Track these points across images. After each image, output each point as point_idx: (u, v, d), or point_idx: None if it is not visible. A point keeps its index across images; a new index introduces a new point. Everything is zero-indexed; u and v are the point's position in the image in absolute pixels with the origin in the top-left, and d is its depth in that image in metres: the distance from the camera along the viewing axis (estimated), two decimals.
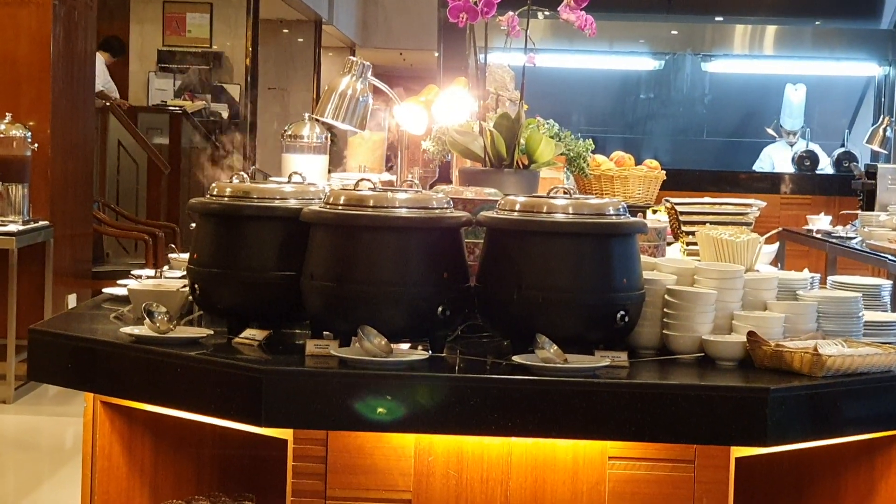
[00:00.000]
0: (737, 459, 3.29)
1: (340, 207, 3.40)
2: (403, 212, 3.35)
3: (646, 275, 3.47)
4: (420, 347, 3.36)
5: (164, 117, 12.79)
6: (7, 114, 8.00)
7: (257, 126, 15.95)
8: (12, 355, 7.72)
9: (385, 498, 3.31)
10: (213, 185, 3.73)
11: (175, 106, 13.61)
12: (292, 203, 3.60)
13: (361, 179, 3.53)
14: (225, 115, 14.87)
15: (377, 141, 6.58)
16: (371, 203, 3.36)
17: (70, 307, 8.62)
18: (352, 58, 4.64)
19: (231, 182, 3.69)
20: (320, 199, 3.60)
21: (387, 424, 3.21)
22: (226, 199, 3.64)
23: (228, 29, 15.46)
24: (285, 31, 18.61)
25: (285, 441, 3.34)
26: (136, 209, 11.51)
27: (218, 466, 4.09)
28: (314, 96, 18.69)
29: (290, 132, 5.29)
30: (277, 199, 3.62)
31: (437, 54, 18.28)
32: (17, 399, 7.72)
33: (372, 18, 20.29)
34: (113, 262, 10.35)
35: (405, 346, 3.37)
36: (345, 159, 6.68)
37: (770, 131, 13.83)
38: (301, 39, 18.74)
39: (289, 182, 3.74)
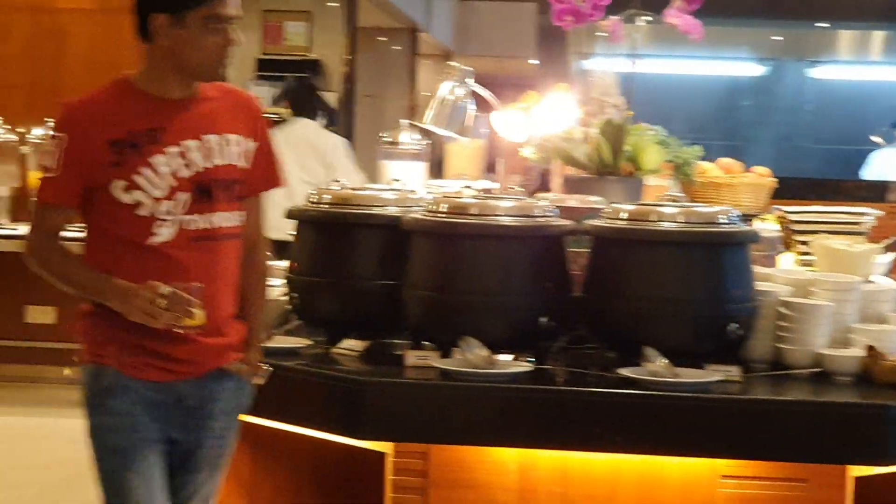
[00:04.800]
0: (856, 479, 3.16)
1: (442, 215, 3.32)
2: (507, 220, 3.27)
3: (759, 285, 3.35)
4: (523, 359, 3.27)
5: None
6: None
7: (354, 134, 15.94)
8: None
9: None
10: (312, 191, 3.67)
11: (273, 114, 13.62)
12: (392, 210, 3.53)
13: (465, 186, 3.45)
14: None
15: (476, 148, 6.50)
16: (474, 211, 3.29)
17: None
18: (452, 63, 4.57)
19: (330, 189, 3.63)
20: (421, 206, 3.53)
21: (489, 438, 3.13)
22: (325, 206, 3.58)
23: (326, 37, 15.46)
24: (382, 38, 18.59)
25: (384, 453, 3.26)
26: None
27: (316, 478, 4.02)
28: (410, 104, 18.67)
29: (388, 138, 5.23)
30: (377, 206, 3.55)
31: (534, 62, 18.16)
32: None
33: (468, 26, 20.21)
34: None
35: (508, 357, 3.28)
36: (443, 166, 6.61)
37: (876, 139, 13.57)
38: (397, 47, 18.72)
39: (389, 189, 3.67)
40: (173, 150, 2.99)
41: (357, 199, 3.57)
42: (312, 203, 3.61)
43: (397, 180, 3.78)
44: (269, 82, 15.29)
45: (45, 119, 8.00)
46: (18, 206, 8.00)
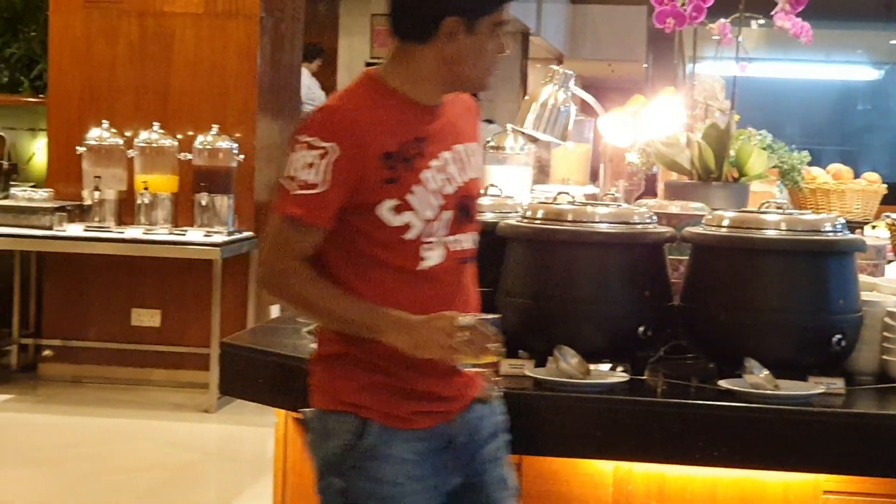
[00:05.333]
0: None
1: (538, 222, 3.26)
2: (604, 227, 3.20)
3: (864, 296, 3.25)
4: (620, 369, 3.19)
5: None
6: (214, 125, 8.04)
7: None
8: (215, 365, 7.73)
9: None
10: None
11: None
12: (489, 216, 3.46)
13: (560, 192, 3.38)
14: None
15: (582, 153, 6.41)
16: (570, 217, 3.22)
17: (273, 318, 8.65)
18: (554, 67, 4.50)
19: None
20: (518, 212, 3.47)
21: (584, 450, 3.06)
22: None
23: None
24: None
25: None
26: None
27: None
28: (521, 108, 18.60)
29: (492, 143, 5.17)
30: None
31: (645, 65, 18.03)
32: (219, 409, 7.74)
33: (580, 29, 20.13)
34: None
35: (604, 367, 3.20)
36: (549, 172, 6.54)
37: None
38: (507, 51, 18.66)
39: (485, 195, 3.61)
40: (436, 163, 2.73)
41: None
42: None
43: (494, 186, 3.72)
44: None
45: (152, 122, 8.08)
46: (124, 210, 8.06)
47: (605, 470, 3.13)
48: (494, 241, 3.32)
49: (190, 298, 8.26)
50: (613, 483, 3.13)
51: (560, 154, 6.24)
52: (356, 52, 15.32)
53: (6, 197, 8.15)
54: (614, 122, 4.84)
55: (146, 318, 8.36)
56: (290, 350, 3.52)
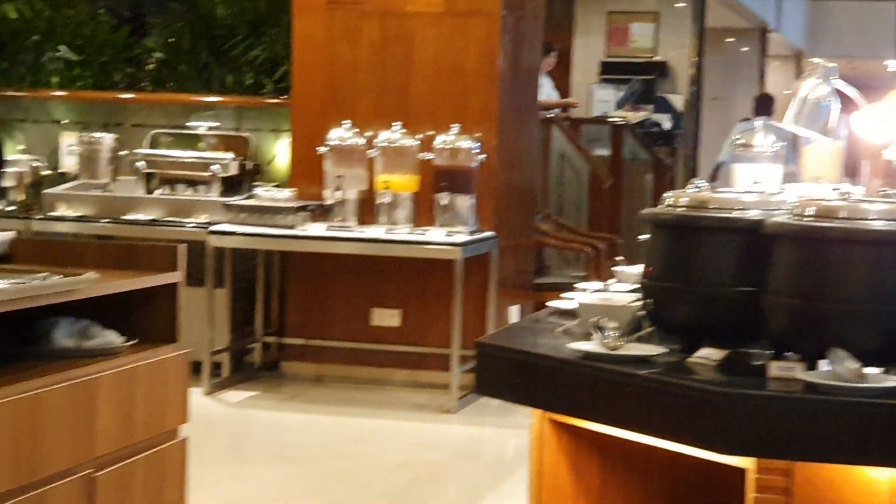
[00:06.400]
0: None
1: (808, 219, 3.13)
2: (879, 224, 3.06)
3: None
4: (893, 373, 3.05)
5: (606, 128, 12.69)
6: (455, 125, 8.04)
7: (700, 137, 15.70)
8: (456, 366, 7.74)
9: None
10: (668, 194, 3.54)
11: (617, 117, 13.51)
12: (753, 214, 3.35)
13: (834, 189, 3.25)
14: (667, 125, 14.68)
15: (835, 150, 6.22)
16: (843, 214, 3.09)
17: (512, 319, 8.62)
18: (815, 60, 4.36)
19: (686, 192, 3.48)
20: (783, 210, 3.35)
21: (857, 456, 2.93)
22: (681, 209, 3.43)
23: (673, 39, 15.27)
24: (729, 39, 18.28)
25: (740, 468, 3.09)
26: (577, 220, 11.45)
27: (668, 490, 3.87)
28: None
29: (741, 140, 5.04)
30: (737, 209, 3.38)
31: (885, 62, 17.55)
32: (460, 409, 7.73)
33: (821, 25, 19.72)
34: (554, 273, 10.31)
35: (878, 370, 3.06)
36: (798, 169, 6.36)
37: None
38: (746, 48, 18.36)
39: (749, 192, 3.50)
40: None
41: (715, 202, 3.40)
42: (668, 206, 3.47)
43: (757, 182, 3.61)
44: (614, 85, 15.25)
45: (392, 122, 8.12)
46: (366, 209, 8.12)
47: (880, 478, 3.00)
48: (759, 240, 3.22)
49: (430, 298, 8.27)
50: (889, 491, 3.00)
51: (811, 151, 6.06)
52: (591, 50, 15.24)
53: (250, 197, 8.28)
54: (871, 119, 4.68)
55: (387, 317, 8.41)
56: (548, 350, 3.47)
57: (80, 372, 3.45)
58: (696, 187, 3.49)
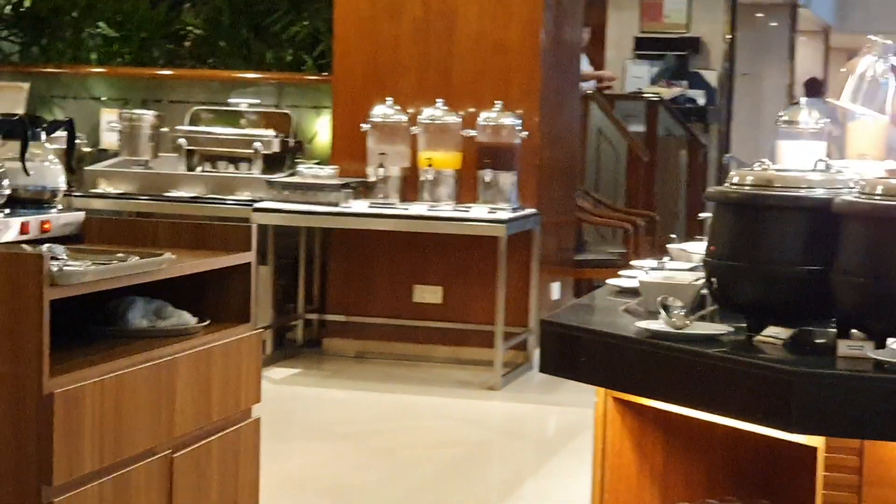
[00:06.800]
0: None
1: (877, 198, 3.14)
2: None
3: None
4: None
5: (641, 104, 12.67)
6: (497, 101, 8.05)
7: (732, 112, 15.66)
8: (500, 342, 7.75)
9: None
10: (733, 173, 3.54)
11: (651, 93, 13.49)
12: (819, 192, 3.36)
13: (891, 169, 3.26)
14: (701, 101, 14.64)
15: (880, 127, 6.21)
16: None
17: (554, 296, 8.63)
18: (872, 37, 4.35)
19: (752, 170, 3.49)
20: (850, 188, 3.36)
21: None
22: (747, 188, 3.43)
23: (706, 14, 15.23)
24: (759, 14, 18.20)
25: (806, 447, 3.10)
26: (614, 197, 11.45)
27: (730, 468, 3.88)
28: (788, 81, 18.23)
29: (785, 118, 5.04)
30: (804, 188, 3.38)
31: None
32: (504, 386, 7.75)
33: (851, 1, 19.62)
34: (592, 250, 10.31)
35: None
36: (842, 146, 6.34)
37: None
38: (775, 24, 18.29)
39: (814, 170, 3.51)
40: None
41: (781, 180, 3.41)
42: (734, 184, 3.47)
43: (824, 161, 3.61)
44: (648, 61, 15.23)
45: (435, 99, 8.13)
46: (408, 186, 8.13)
47: None
48: (827, 218, 3.23)
49: (473, 275, 8.28)
50: None
51: (857, 128, 6.04)
52: (625, 27, 15.20)
53: (293, 174, 8.30)
54: None
55: (428, 294, 8.42)
56: (612, 328, 3.48)
57: (159, 353, 3.47)
58: (763, 165, 3.50)
